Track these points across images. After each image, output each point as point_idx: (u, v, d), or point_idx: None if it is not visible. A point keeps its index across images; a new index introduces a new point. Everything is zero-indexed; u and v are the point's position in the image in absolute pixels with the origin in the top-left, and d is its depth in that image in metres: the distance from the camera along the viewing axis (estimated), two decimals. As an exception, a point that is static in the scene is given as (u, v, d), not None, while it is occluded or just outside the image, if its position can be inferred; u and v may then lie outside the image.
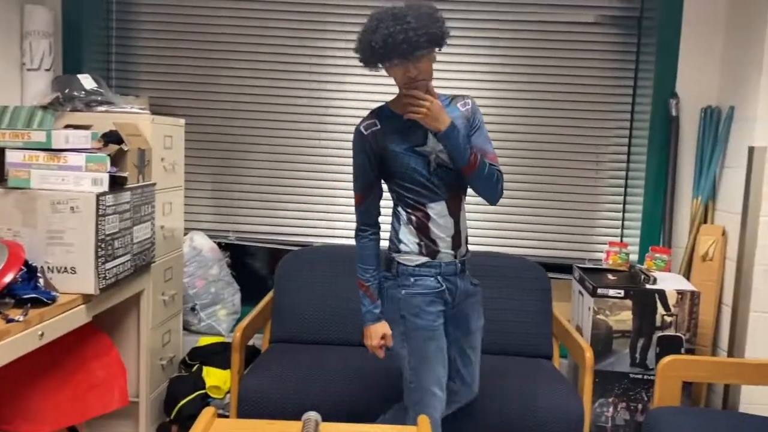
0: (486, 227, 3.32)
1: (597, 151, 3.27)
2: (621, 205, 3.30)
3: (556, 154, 3.27)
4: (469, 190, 2.03)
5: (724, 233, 2.87)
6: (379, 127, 1.93)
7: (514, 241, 3.32)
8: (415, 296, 1.95)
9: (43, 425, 2.08)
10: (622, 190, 3.29)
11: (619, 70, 3.22)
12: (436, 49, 1.84)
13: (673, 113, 3.03)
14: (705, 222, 2.99)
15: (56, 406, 2.13)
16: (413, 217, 1.96)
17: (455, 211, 1.98)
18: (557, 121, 3.26)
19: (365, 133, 1.93)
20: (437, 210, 1.95)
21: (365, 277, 2.02)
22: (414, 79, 1.83)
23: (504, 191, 3.22)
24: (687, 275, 2.98)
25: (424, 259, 1.96)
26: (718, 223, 2.96)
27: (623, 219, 3.30)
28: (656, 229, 3.15)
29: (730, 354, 2.76)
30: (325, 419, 2.23)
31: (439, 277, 1.97)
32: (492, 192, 1.97)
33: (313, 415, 1.76)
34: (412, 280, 1.96)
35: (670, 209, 3.07)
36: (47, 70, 2.92)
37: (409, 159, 1.91)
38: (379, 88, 3.30)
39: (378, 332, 2.02)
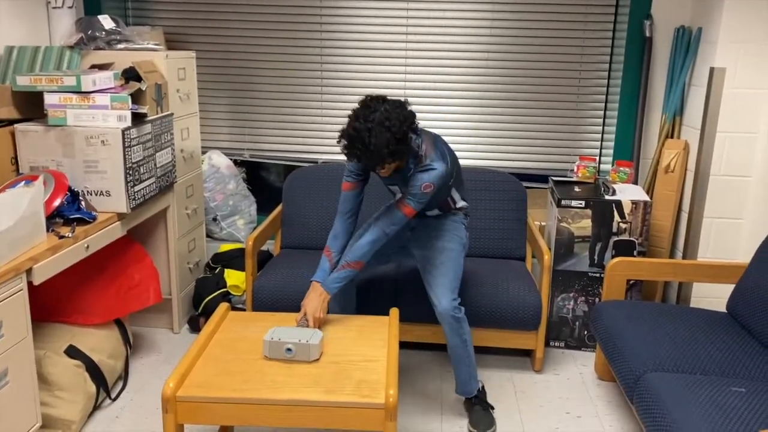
0: (480, 142, 3.64)
1: (580, 68, 3.50)
2: (601, 120, 3.56)
3: (543, 72, 3.51)
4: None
5: (686, 147, 3.14)
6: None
7: (505, 155, 3.64)
8: None
9: (93, 317, 2.56)
10: (603, 106, 3.54)
11: (601, -10, 3.39)
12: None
13: (647, 34, 3.23)
14: (672, 137, 3.25)
15: (103, 303, 2.61)
16: None
17: None
18: (543, 41, 3.47)
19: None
20: None
21: None
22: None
23: (498, 109, 3.55)
24: (652, 185, 3.29)
25: None
26: (683, 137, 3.22)
27: (603, 133, 3.57)
28: (629, 143, 3.42)
29: (685, 255, 3.12)
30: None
31: None
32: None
33: (303, 309, 2.18)
34: None
35: (640, 125, 3.33)
36: (70, 7, 3.22)
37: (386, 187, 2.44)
38: (383, 18, 3.53)
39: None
